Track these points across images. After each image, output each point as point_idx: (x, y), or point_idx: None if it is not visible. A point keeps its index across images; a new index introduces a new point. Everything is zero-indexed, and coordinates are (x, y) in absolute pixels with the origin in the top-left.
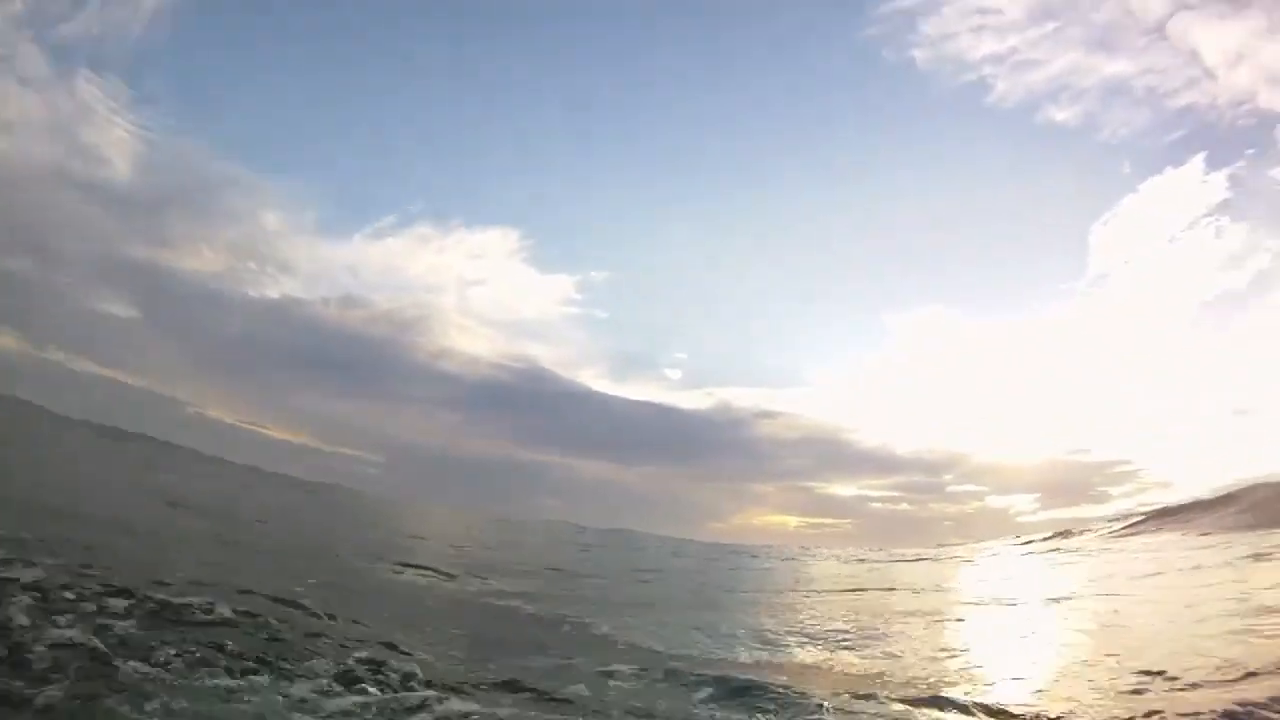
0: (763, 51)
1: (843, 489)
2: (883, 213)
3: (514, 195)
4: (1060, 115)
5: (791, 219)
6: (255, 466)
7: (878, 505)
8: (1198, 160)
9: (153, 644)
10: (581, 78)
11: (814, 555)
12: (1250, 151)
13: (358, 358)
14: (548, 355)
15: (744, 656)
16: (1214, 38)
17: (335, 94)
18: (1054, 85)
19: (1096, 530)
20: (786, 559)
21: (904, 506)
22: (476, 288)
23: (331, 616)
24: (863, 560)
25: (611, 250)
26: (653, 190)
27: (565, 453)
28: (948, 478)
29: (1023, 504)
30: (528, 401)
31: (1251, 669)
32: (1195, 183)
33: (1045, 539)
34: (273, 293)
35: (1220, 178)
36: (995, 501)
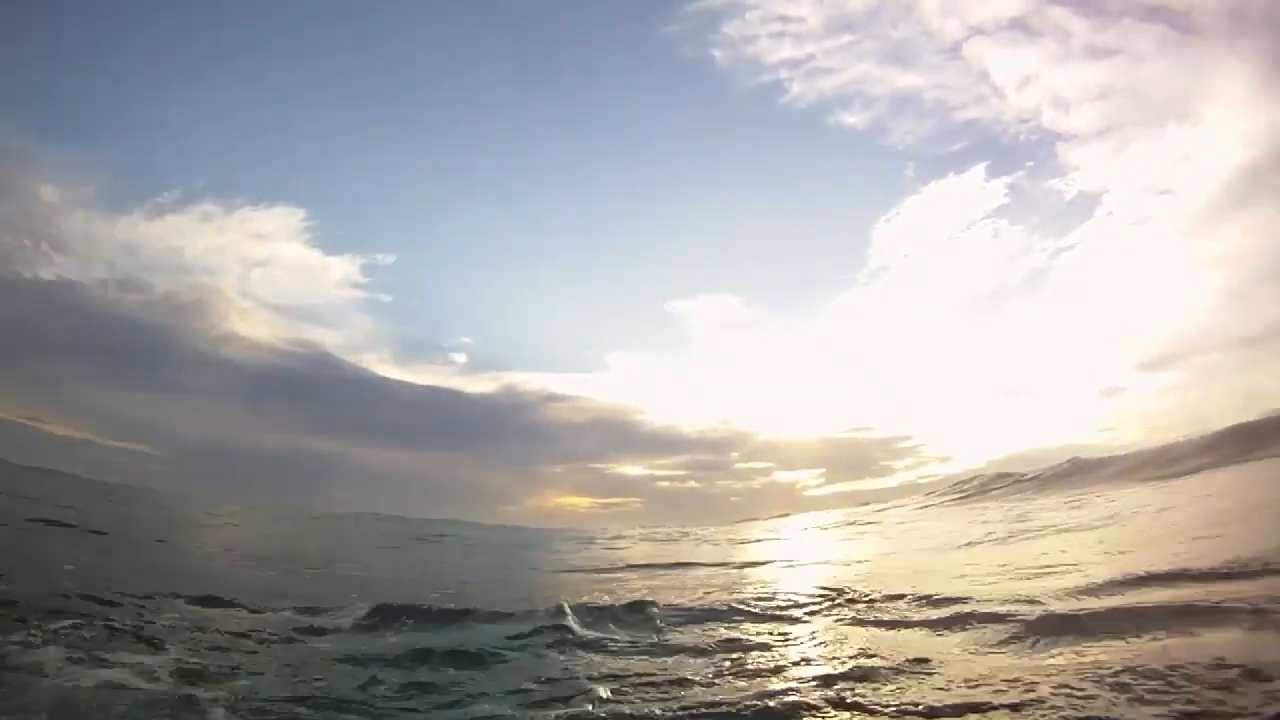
0: (562, 42)
1: (631, 469)
2: (675, 204)
3: (300, 174)
4: (851, 119)
5: (583, 207)
6: (37, 466)
7: (666, 484)
8: (979, 169)
9: None
10: (373, 60)
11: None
12: (1030, 163)
13: (138, 345)
14: (332, 340)
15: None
16: (1005, 61)
17: (119, 56)
18: (847, 92)
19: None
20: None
21: (692, 484)
22: (259, 269)
23: None
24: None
25: (398, 233)
26: (442, 174)
27: (354, 441)
28: (734, 455)
29: (808, 479)
30: (313, 389)
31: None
32: (976, 189)
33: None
34: (47, 273)
35: (1000, 185)
36: (782, 477)
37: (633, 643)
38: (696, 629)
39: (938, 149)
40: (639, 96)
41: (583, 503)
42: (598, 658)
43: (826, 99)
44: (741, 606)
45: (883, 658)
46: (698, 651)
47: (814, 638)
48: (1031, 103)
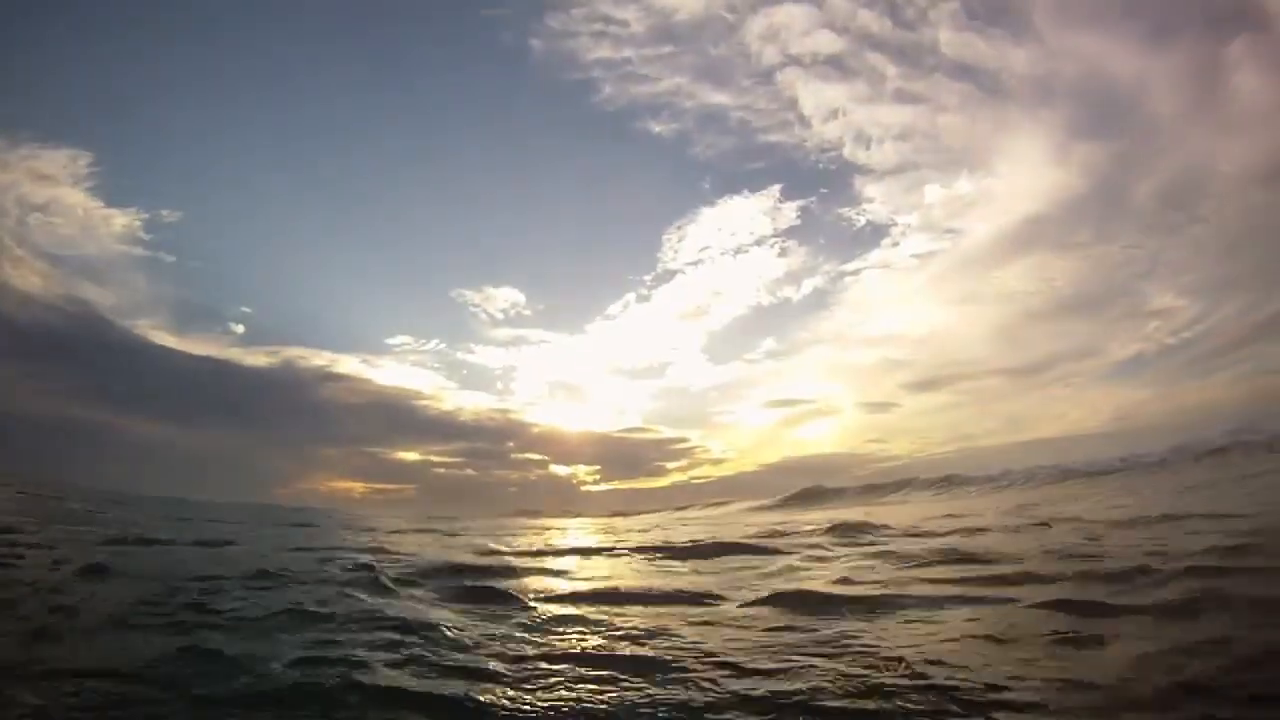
0: (377, 10)
1: (407, 454)
2: (472, 191)
3: (92, 113)
4: (657, 128)
5: (376, 183)
6: None
7: (441, 470)
8: (775, 189)
9: None
10: (177, 7)
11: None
12: (825, 190)
13: None
14: (108, 300)
15: None
16: (816, 93)
17: None
18: (658, 101)
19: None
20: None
21: (468, 472)
22: (38, 215)
23: None
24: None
25: (189, 190)
26: (237, 133)
27: (123, 412)
28: (510, 445)
29: (584, 474)
30: (85, 352)
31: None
32: (769, 207)
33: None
34: None
35: (792, 207)
36: (558, 470)
37: None
38: None
39: (737, 166)
40: (451, 78)
41: (357, 487)
42: None
43: (637, 105)
44: None
45: None
46: None
47: None
48: (835, 135)
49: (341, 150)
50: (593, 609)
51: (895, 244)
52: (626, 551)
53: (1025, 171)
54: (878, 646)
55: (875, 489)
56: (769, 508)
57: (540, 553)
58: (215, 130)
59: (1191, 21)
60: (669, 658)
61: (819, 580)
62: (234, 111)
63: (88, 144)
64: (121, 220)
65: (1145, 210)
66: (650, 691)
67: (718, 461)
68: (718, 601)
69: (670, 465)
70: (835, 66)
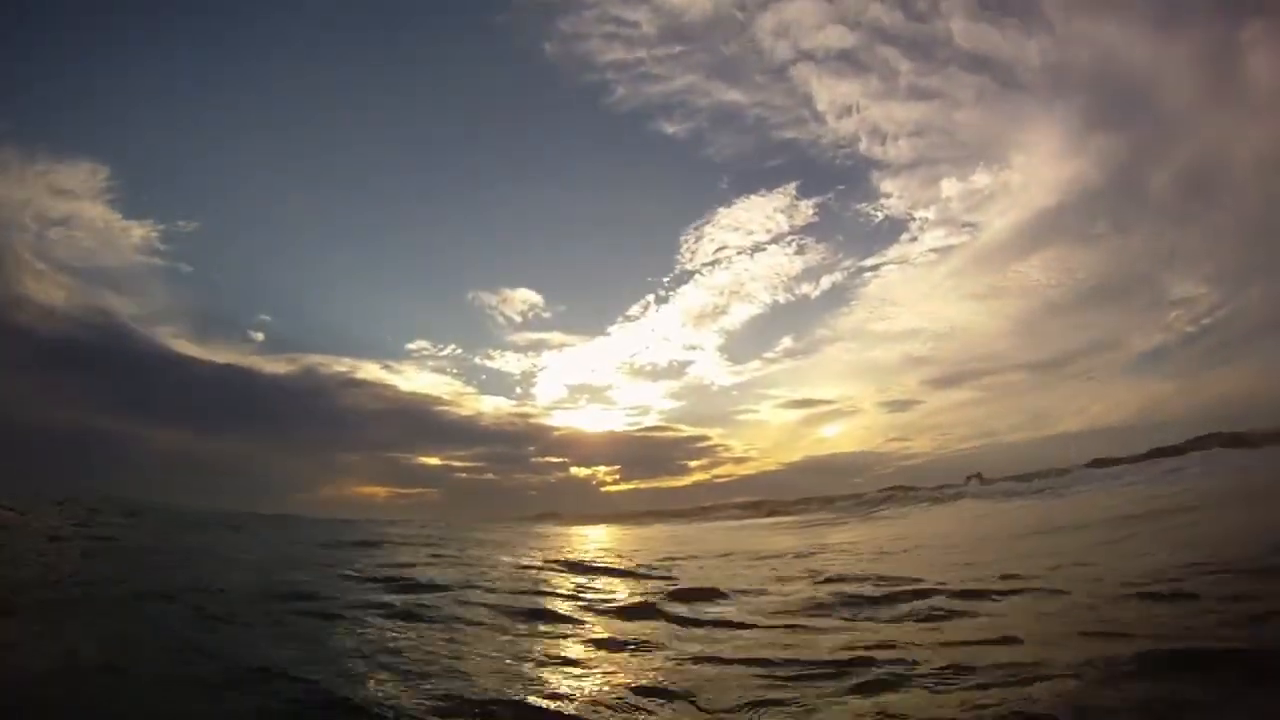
0: (389, 16)
1: (429, 459)
2: (486, 193)
3: (108, 127)
4: (671, 128)
5: (391, 186)
6: None
7: (462, 475)
8: (791, 186)
9: None
10: (194, 22)
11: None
12: (841, 187)
13: None
14: (127, 309)
15: None
16: (830, 89)
17: None
18: (671, 101)
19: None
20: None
21: (489, 476)
22: (58, 229)
23: None
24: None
25: (204, 200)
26: (251, 145)
27: (145, 422)
28: (531, 449)
29: (604, 475)
30: (106, 362)
31: None
32: (786, 205)
33: None
34: None
35: (809, 204)
36: (578, 472)
37: None
38: None
39: (753, 164)
40: (464, 82)
41: (380, 492)
42: None
43: (651, 105)
44: None
45: None
46: None
47: None
48: (850, 130)
49: (356, 157)
50: None
51: (913, 239)
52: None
53: (1042, 164)
54: None
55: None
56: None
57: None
58: (230, 141)
59: (1203, 5)
60: None
61: None
62: (248, 122)
63: (105, 157)
64: (140, 231)
65: (1163, 199)
66: None
67: (740, 460)
68: None
69: (692, 464)
70: (848, 61)
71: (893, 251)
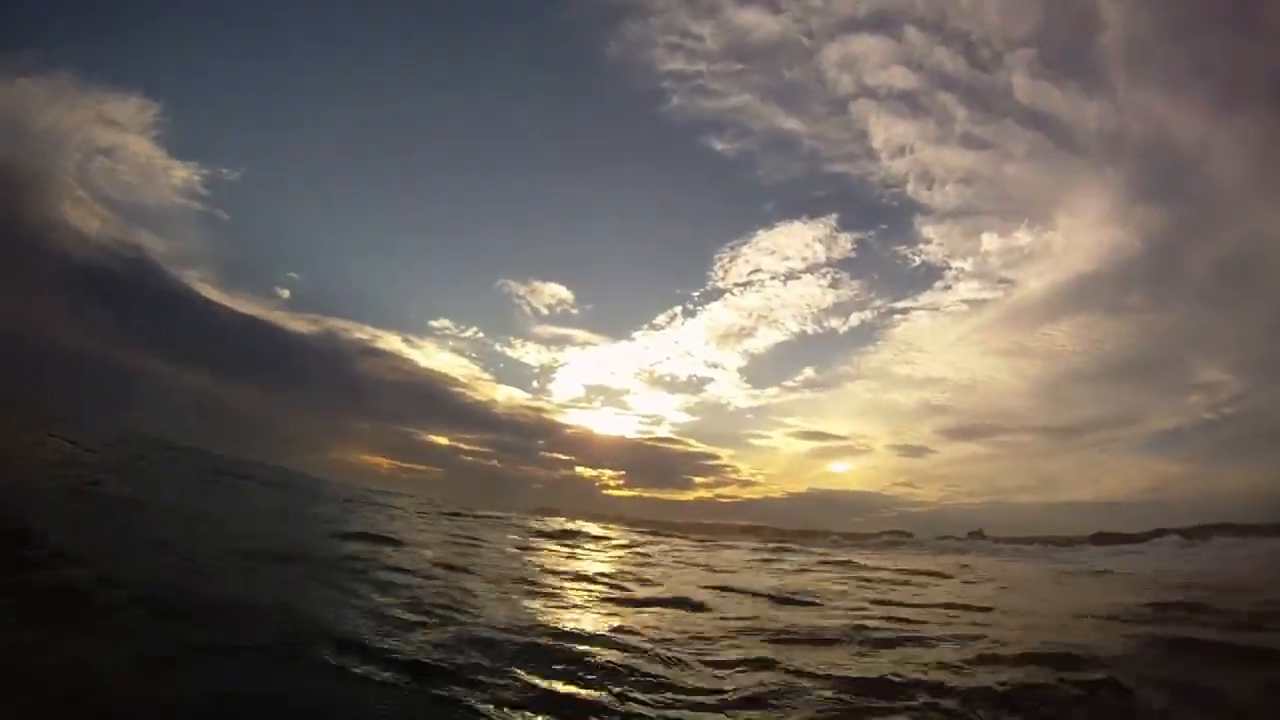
0: (459, 10)
1: (438, 438)
2: (527, 184)
3: (163, 64)
4: (721, 145)
5: (434, 169)
6: None
7: (469, 458)
8: (833, 218)
9: None
10: None
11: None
12: (883, 226)
13: None
14: (159, 248)
15: None
16: (886, 128)
17: None
18: (725, 118)
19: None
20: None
21: (495, 463)
22: (102, 158)
23: None
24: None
25: (251, 151)
26: (308, 105)
27: (167, 360)
28: (540, 442)
29: (608, 478)
30: (134, 297)
31: None
32: (825, 236)
33: None
34: None
35: (849, 239)
36: (584, 471)
37: None
38: None
39: (799, 192)
40: (520, 75)
41: (384, 463)
42: None
43: (704, 120)
44: None
45: None
46: None
47: None
48: (900, 171)
49: (404, 131)
50: None
51: (948, 287)
52: None
53: (1084, 228)
54: None
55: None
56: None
57: None
58: (283, 98)
59: (1263, 92)
60: None
61: None
62: (304, 83)
63: (156, 94)
64: (182, 173)
65: (1200, 280)
66: None
67: (745, 483)
68: None
69: (698, 480)
70: (907, 102)
71: (925, 297)
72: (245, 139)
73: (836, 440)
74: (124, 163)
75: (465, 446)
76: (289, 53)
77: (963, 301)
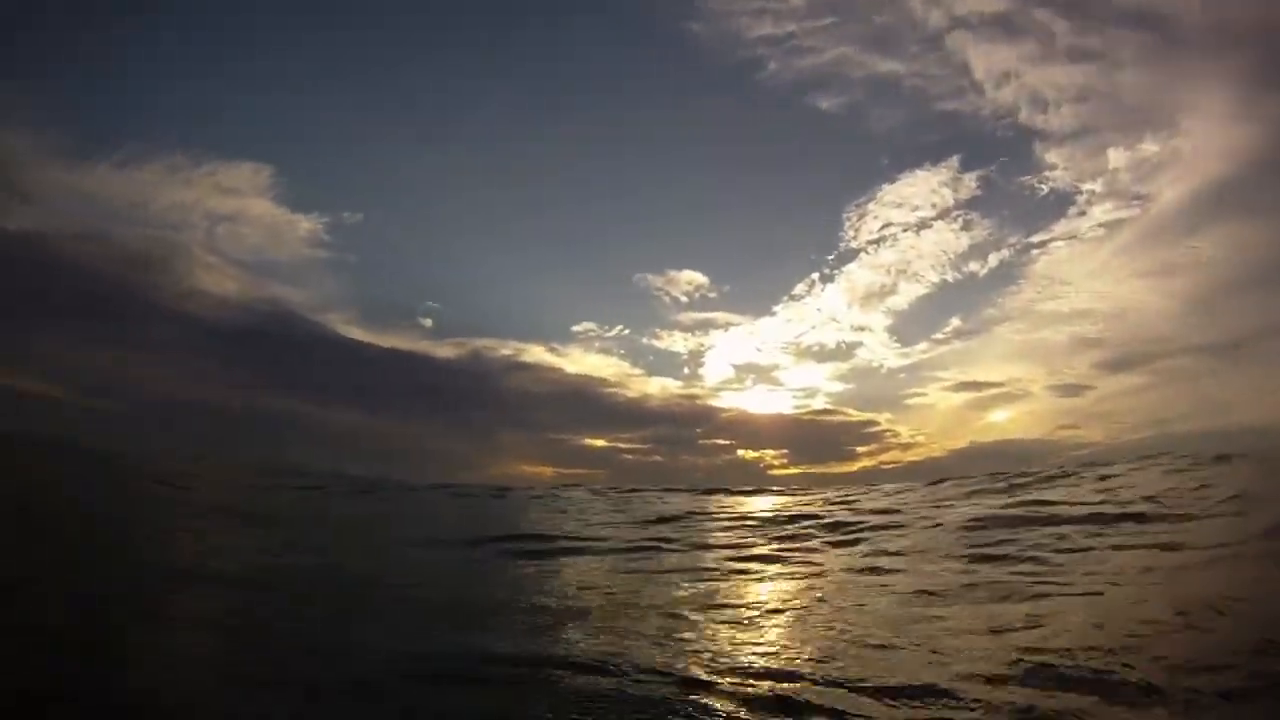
0: (539, 14)
1: (595, 441)
2: (645, 177)
3: (270, 129)
4: (827, 103)
5: (551, 177)
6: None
7: (629, 457)
8: (954, 160)
9: None
10: (344, 17)
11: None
12: (1004, 159)
13: (105, 300)
14: (297, 299)
15: None
16: (986, 56)
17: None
18: (825, 73)
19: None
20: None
21: (656, 458)
22: (226, 224)
23: None
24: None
25: (367, 193)
26: (415, 135)
27: (315, 400)
28: (698, 431)
29: (771, 458)
30: (277, 347)
31: None
32: (949, 180)
33: None
34: (12, 224)
35: (972, 178)
36: (745, 454)
37: None
38: None
39: (913, 138)
40: (613, 65)
41: (546, 471)
42: None
43: (804, 79)
44: None
45: None
46: None
47: None
48: (1009, 99)
49: (515, 144)
50: None
51: (1081, 213)
52: None
53: (1212, 128)
54: None
55: None
56: None
57: None
58: (390, 134)
59: None
60: None
61: None
62: (407, 114)
63: (267, 157)
64: (306, 225)
65: None
66: None
67: (906, 446)
68: None
69: (860, 449)
70: (1003, 26)
71: (1059, 226)
72: (361, 183)
73: (993, 388)
74: (248, 225)
75: (624, 445)
76: (386, 89)
77: (1099, 225)
